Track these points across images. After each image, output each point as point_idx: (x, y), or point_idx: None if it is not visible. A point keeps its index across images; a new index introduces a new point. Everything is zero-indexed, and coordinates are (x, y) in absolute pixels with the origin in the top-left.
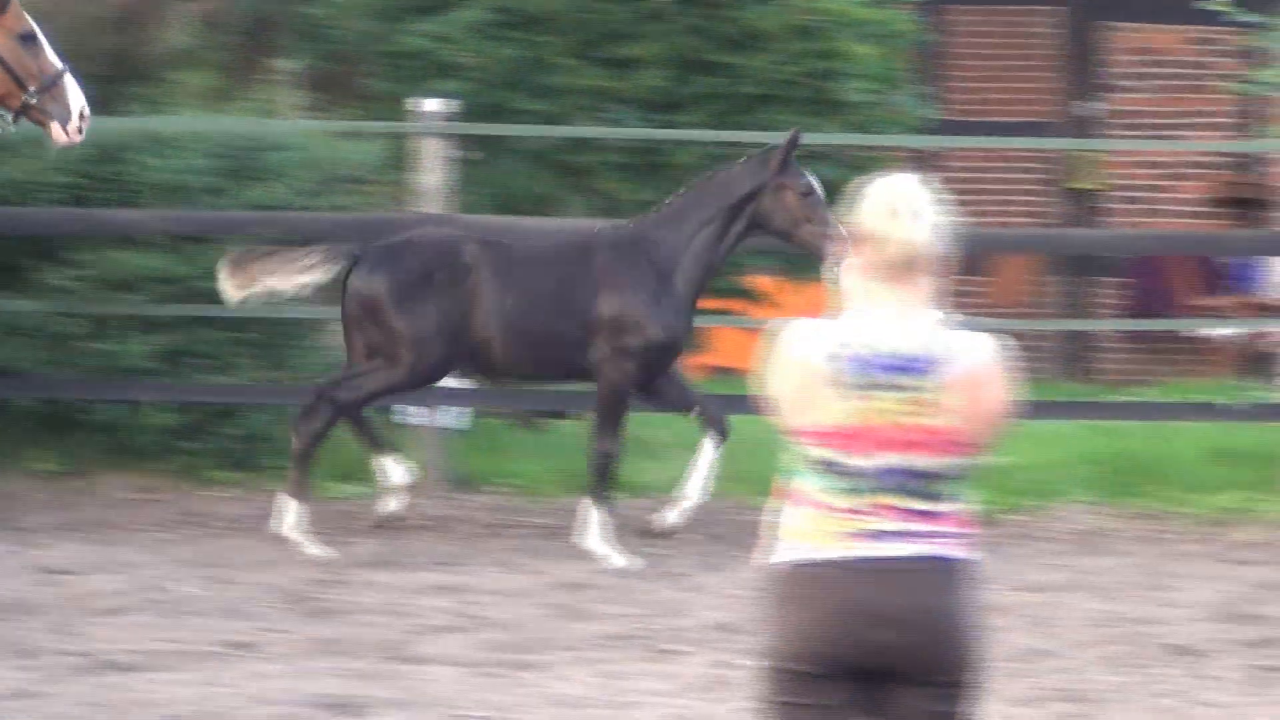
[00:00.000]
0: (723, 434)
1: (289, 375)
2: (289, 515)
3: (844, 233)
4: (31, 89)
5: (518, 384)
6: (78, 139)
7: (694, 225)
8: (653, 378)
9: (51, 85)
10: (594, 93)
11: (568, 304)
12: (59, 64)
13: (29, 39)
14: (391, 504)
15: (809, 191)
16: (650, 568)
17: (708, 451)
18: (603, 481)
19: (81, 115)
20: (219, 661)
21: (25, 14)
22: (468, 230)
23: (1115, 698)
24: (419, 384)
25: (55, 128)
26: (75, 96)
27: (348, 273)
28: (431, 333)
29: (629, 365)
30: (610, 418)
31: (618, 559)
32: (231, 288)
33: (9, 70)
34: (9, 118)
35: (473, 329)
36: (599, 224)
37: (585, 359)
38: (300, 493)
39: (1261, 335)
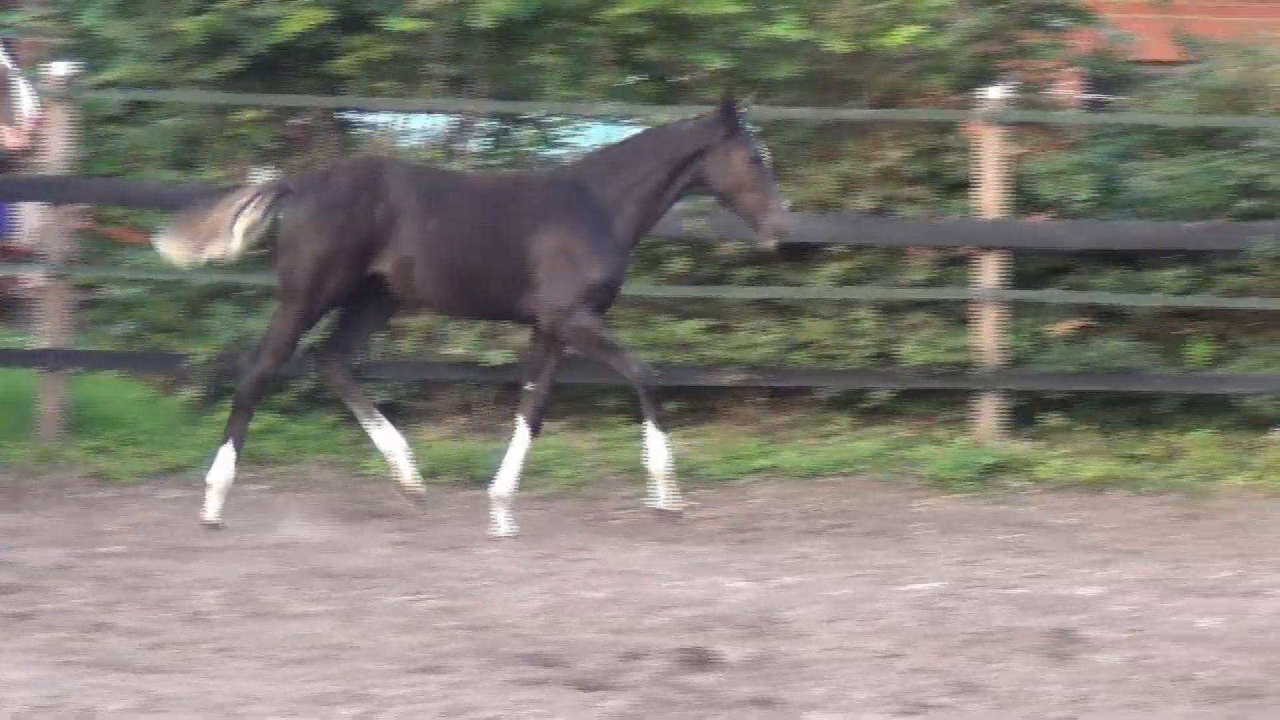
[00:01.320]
0: None
1: None
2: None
3: (786, 205)
4: None
5: (436, 315)
6: (27, 142)
7: (636, 175)
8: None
9: (3, 86)
10: None
11: (499, 238)
12: (8, 65)
13: None
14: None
15: (758, 159)
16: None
17: None
18: (661, 405)
19: (29, 118)
20: None
21: None
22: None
23: None
24: (323, 306)
25: (3, 130)
26: (25, 98)
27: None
28: (340, 250)
29: (583, 304)
30: (605, 350)
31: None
32: (175, 253)
33: None
34: None
35: (391, 249)
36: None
37: (513, 299)
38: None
39: (13, 281)
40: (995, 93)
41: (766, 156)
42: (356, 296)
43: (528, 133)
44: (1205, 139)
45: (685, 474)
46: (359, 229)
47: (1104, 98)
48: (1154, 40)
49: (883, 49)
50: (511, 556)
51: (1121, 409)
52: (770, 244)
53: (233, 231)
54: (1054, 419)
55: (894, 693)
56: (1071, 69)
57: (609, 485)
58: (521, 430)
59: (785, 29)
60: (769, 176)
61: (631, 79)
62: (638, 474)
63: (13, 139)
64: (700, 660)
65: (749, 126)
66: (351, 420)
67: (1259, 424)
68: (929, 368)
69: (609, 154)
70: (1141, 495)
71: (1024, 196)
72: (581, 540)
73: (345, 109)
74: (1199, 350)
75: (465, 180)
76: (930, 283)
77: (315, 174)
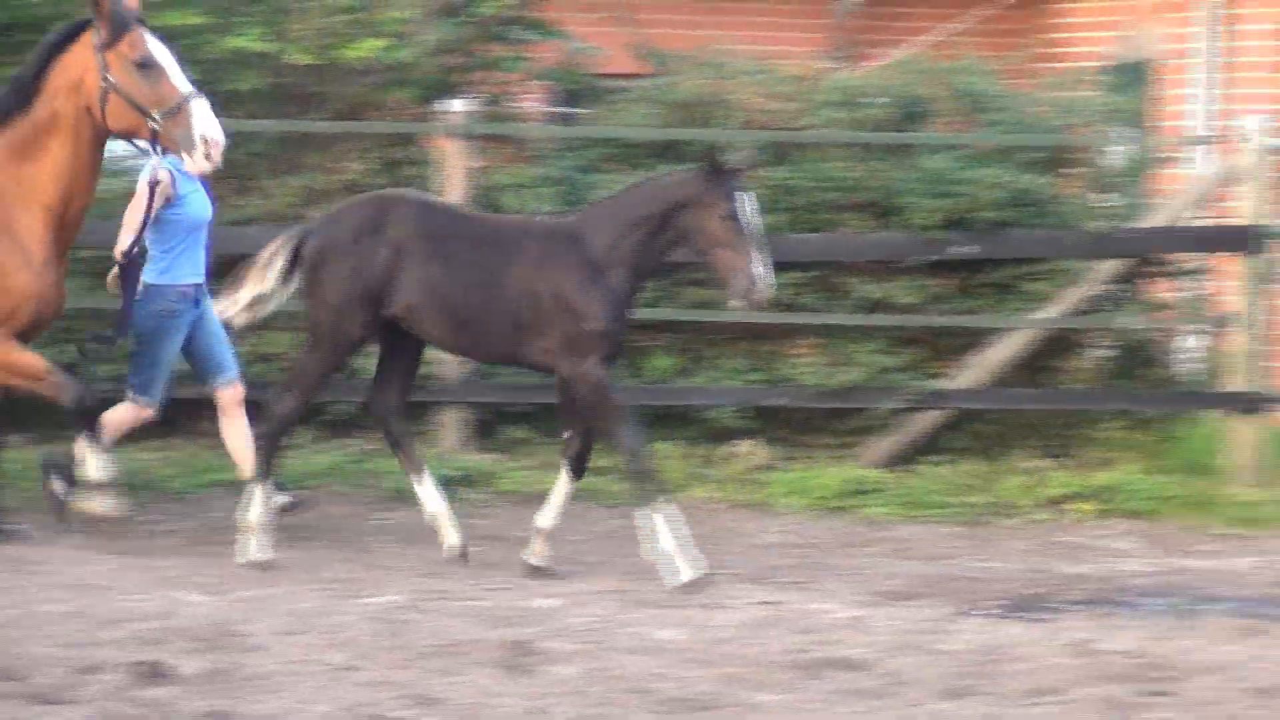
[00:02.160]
0: None
1: None
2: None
3: (761, 269)
4: (156, 116)
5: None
6: (207, 166)
7: (624, 227)
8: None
9: (176, 111)
10: None
11: (502, 283)
12: (185, 89)
13: (147, 66)
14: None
15: (734, 216)
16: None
17: None
18: (649, 481)
19: (206, 140)
20: None
21: (146, 40)
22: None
23: None
24: (345, 352)
25: (185, 156)
26: (202, 121)
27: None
28: (351, 293)
29: (592, 355)
30: (607, 409)
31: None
32: (227, 312)
33: (129, 100)
34: (151, 149)
35: (399, 293)
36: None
37: (515, 342)
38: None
39: None
40: (459, 106)
41: (753, 217)
42: (392, 336)
43: None
44: (667, 151)
45: (147, 487)
46: (366, 272)
47: (570, 111)
48: (619, 53)
49: (346, 61)
50: None
51: None
52: (737, 306)
53: (265, 279)
54: (516, 431)
55: (351, 705)
56: (537, 82)
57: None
58: (563, 474)
59: (248, 41)
60: (746, 236)
61: None
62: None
63: (193, 165)
64: (156, 673)
65: (738, 185)
66: None
67: (721, 436)
68: None
69: (611, 201)
70: (603, 507)
71: (490, 209)
72: (40, 554)
73: None
74: (661, 363)
75: (472, 222)
76: None
77: (329, 213)
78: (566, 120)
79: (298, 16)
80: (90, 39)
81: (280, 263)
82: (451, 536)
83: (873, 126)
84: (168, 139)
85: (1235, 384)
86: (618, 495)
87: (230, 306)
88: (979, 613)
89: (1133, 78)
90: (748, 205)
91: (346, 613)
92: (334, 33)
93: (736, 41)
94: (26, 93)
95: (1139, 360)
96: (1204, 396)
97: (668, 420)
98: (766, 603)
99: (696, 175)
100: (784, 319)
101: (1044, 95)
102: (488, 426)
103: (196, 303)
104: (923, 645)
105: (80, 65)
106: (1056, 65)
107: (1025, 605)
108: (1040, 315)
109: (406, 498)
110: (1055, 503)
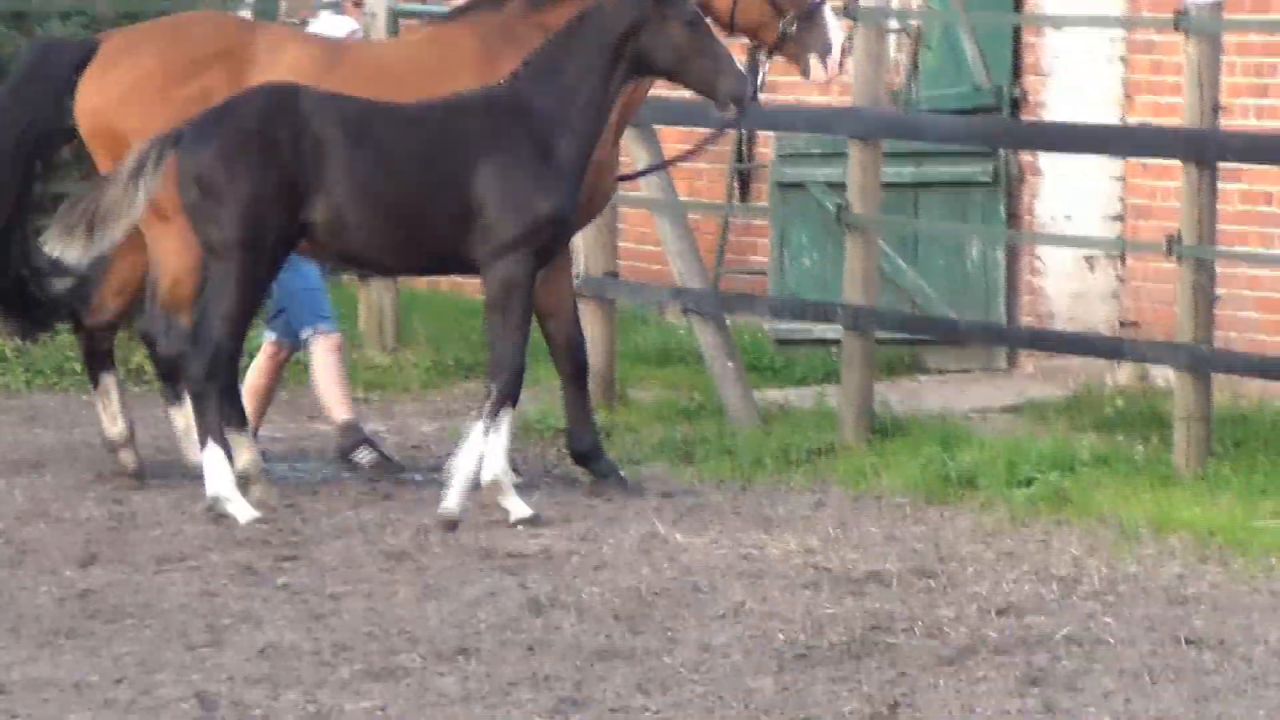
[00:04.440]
0: None
1: None
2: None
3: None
4: (790, 16)
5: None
6: (836, 75)
7: (572, 77)
8: (545, 264)
9: (810, 15)
10: None
11: (439, 177)
12: None
13: None
14: None
15: (694, 20)
16: None
17: None
18: (505, 402)
19: (842, 49)
20: None
21: None
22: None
23: None
24: (267, 274)
25: (814, 63)
26: (835, 28)
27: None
28: (267, 202)
29: (522, 252)
30: (509, 317)
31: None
32: (65, 249)
33: None
34: (762, 56)
35: (315, 198)
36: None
37: (459, 245)
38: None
39: None
40: None
41: (702, 18)
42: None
43: None
44: None
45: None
46: (282, 168)
47: None
48: None
49: None
50: None
51: None
52: (731, 113)
53: (135, 202)
54: None
55: None
56: None
57: None
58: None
59: None
60: (713, 38)
61: None
62: None
63: (822, 73)
64: None
65: None
66: None
67: None
68: None
69: (542, 56)
70: None
71: None
72: None
73: None
74: None
75: (392, 106)
76: None
77: (211, 111)
78: None
79: None
80: None
81: (147, 179)
82: None
83: None
84: (796, 43)
85: None
86: None
87: (69, 247)
88: (105, 482)
89: None
90: (693, 8)
91: None
92: None
93: None
94: None
95: None
96: None
97: None
98: None
99: None
100: None
101: None
102: None
103: None
104: (51, 513)
105: None
106: None
107: (158, 473)
108: None
109: None
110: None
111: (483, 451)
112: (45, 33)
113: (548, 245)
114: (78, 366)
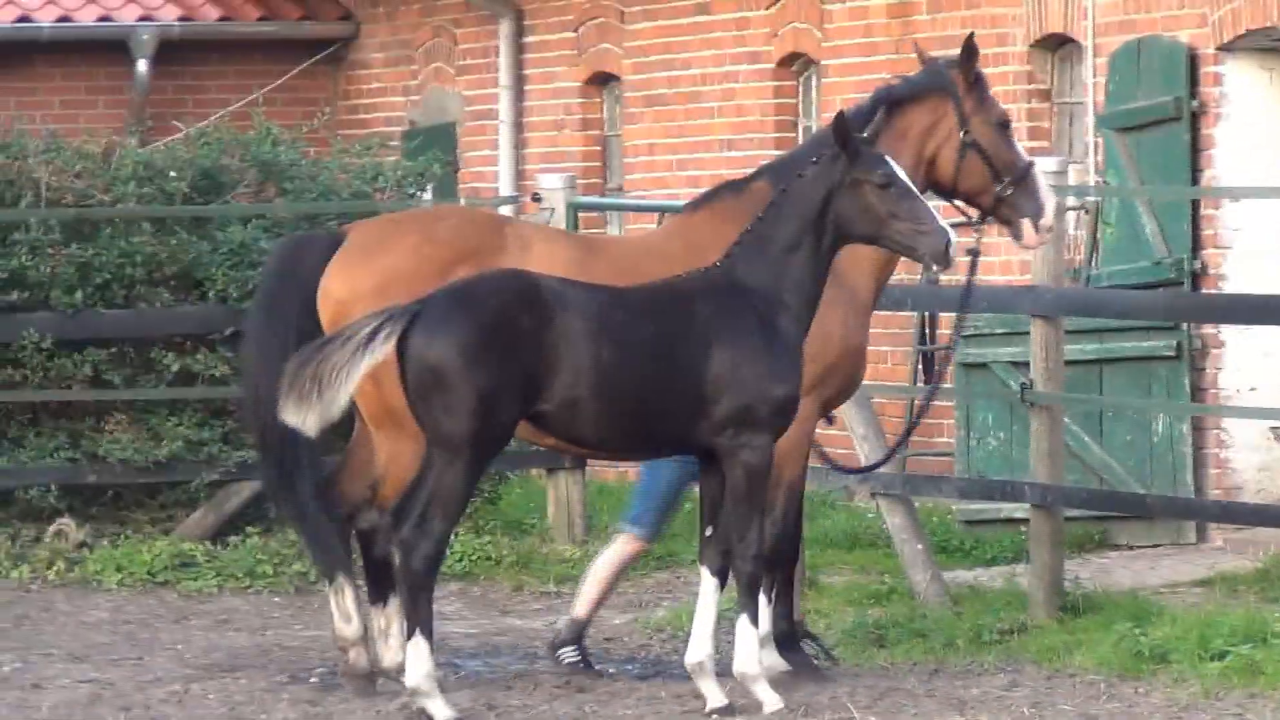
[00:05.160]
0: None
1: None
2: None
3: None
4: (1006, 181)
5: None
6: (1047, 239)
7: (781, 253)
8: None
9: (1023, 178)
10: None
11: (676, 363)
12: (1026, 155)
13: (1005, 126)
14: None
15: (887, 181)
16: None
17: None
18: (756, 585)
19: (1056, 208)
20: None
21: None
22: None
23: None
24: (489, 455)
25: (1026, 226)
26: (1046, 191)
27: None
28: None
29: (763, 437)
30: (755, 502)
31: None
32: (295, 416)
33: (988, 161)
34: (975, 218)
35: (553, 389)
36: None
37: (692, 429)
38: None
39: None
40: None
41: (900, 174)
42: None
43: None
44: None
45: None
46: (524, 360)
47: None
48: None
49: None
50: None
51: None
52: (941, 270)
53: (358, 370)
54: None
55: None
56: None
57: None
58: (706, 581)
59: None
60: (911, 197)
61: None
62: None
63: (1033, 238)
64: None
65: (868, 146)
66: None
67: (41, 516)
68: None
69: (749, 234)
70: None
71: None
72: None
73: None
74: None
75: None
76: None
77: (447, 294)
78: None
79: None
80: (956, 82)
81: (375, 353)
82: None
83: (173, 200)
84: (1010, 207)
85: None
86: None
87: (295, 414)
88: (299, 684)
89: (435, 140)
90: (891, 162)
91: None
92: None
93: (37, 121)
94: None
95: None
96: (517, 456)
97: None
98: (94, 680)
99: (827, 157)
100: (95, 395)
101: (343, 161)
102: None
103: None
104: (245, 717)
105: (937, 112)
106: (358, 131)
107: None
108: None
109: None
110: None
111: (756, 645)
112: (226, 239)
113: (783, 428)
114: (269, 569)
